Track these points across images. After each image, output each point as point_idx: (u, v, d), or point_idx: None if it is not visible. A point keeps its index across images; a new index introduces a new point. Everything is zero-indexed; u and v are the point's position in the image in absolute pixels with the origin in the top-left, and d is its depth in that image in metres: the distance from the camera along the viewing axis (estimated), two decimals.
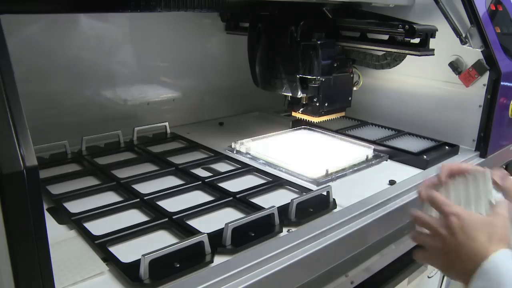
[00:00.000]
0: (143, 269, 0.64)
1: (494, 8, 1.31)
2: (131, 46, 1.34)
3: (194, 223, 0.82)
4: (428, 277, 1.31)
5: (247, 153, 1.20)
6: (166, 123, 1.34)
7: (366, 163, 1.16)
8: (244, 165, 1.12)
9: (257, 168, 1.10)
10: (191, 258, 0.69)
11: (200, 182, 1.00)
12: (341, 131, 1.38)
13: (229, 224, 0.74)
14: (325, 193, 0.92)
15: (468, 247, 0.62)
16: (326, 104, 1.29)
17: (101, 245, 0.73)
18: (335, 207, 0.91)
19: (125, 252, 0.72)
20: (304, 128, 1.44)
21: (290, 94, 1.32)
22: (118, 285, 0.65)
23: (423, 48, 1.11)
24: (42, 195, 0.49)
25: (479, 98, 1.26)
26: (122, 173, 1.02)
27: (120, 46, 1.31)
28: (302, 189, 0.99)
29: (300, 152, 1.23)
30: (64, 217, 0.83)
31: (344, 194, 0.96)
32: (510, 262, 0.58)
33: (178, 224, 0.81)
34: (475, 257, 0.60)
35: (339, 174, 1.08)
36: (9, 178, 0.44)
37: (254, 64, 1.37)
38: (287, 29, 1.24)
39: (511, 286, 0.54)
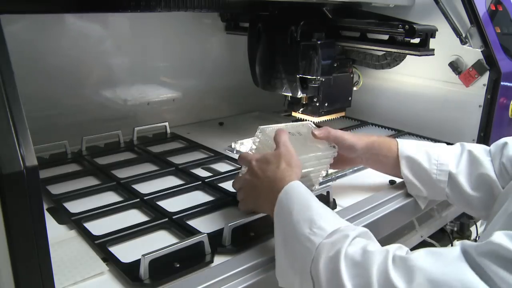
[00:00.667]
0: (143, 269, 0.64)
1: (494, 8, 1.31)
2: (131, 46, 1.33)
3: (194, 223, 0.82)
4: None
5: None
6: (166, 123, 1.34)
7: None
8: None
9: None
10: (191, 258, 0.69)
11: (200, 182, 1.00)
12: None
13: (229, 224, 0.74)
14: (325, 193, 0.92)
15: (267, 181, 0.75)
16: (326, 104, 1.29)
17: (101, 245, 0.73)
18: (335, 207, 0.91)
19: (125, 252, 0.72)
20: None
21: (290, 94, 1.31)
22: (118, 285, 0.65)
23: (423, 48, 1.11)
24: (42, 195, 0.49)
25: (479, 98, 1.26)
26: (122, 173, 1.02)
27: (120, 46, 1.31)
28: None
29: None
30: (64, 217, 0.83)
31: (344, 194, 0.96)
32: (298, 191, 0.70)
33: (178, 224, 0.81)
34: (273, 190, 0.72)
35: (339, 174, 1.08)
36: (9, 178, 0.44)
37: (254, 64, 1.37)
38: (287, 29, 1.24)
39: (298, 208, 0.67)
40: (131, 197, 0.91)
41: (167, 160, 1.12)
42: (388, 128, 1.44)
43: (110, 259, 0.70)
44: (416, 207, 0.98)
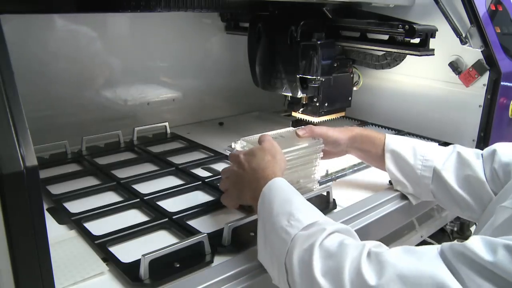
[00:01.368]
0: (143, 269, 0.64)
1: (494, 8, 1.31)
2: (131, 46, 1.33)
3: (194, 223, 0.82)
4: None
5: None
6: (166, 123, 1.34)
7: (366, 163, 1.15)
8: None
9: None
10: (191, 258, 0.69)
11: (200, 182, 1.00)
12: None
13: (229, 224, 0.74)
14: (325, 193, 0.92)
15: (252, 172, 0.77)
16: (326, 104, 1.29)
17: (101, 245, 0.73)
18: (335, 207, 0.91)
19: (125, 252, 0.72)
20: None
21: (290, 94, 1.32)
22: (118, 285, 0.65)
23: (423, 48, 1.11)
24: (42, 195, 0.49)
25: (479, 98, 1.26)
26: (122, 173, 1.02)
27: (120, 46, 1.31)
28: None
29: None
30: (64, 217, 0.83)
31: (344, 194, 0.96)
32: (281, 186, 0.71)
33: (178, 224, 0.81)
34: (258, 180, 0.74)
35: (339, 174, 1.08)
36: (9, 178, 0.44)
37: (254, 64, 1.37)
38: (287, 29, 1.24)
39: (279, 202, 0.68)
40: (131, 197, 0.91)
41: (167, 160, 1.12)
42: (388, 128, 1.44)
43: (110, 259, 0.70)
44: (416, 207, 0.98)
